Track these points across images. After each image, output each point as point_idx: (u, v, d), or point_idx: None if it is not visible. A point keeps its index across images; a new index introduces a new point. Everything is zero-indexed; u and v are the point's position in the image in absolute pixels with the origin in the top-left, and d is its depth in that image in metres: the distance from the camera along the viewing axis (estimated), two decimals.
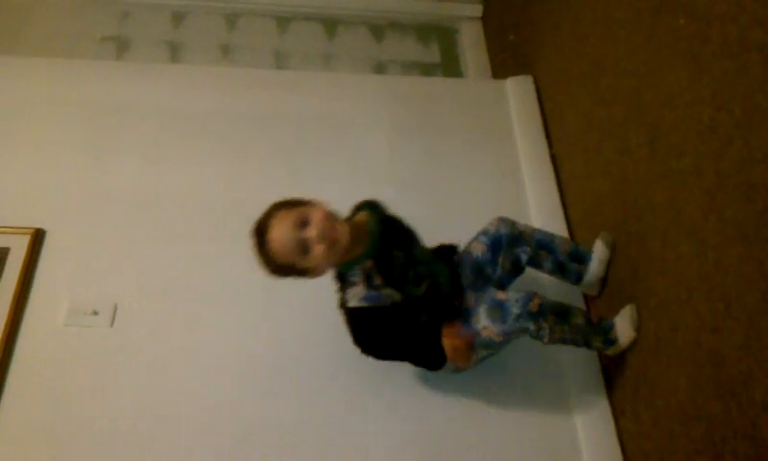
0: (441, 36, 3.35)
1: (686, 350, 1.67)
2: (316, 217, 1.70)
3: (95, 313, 2.12)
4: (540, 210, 2.47)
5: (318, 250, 1.67)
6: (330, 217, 1.73)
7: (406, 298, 1.81)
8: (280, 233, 1.70)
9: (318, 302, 2.03)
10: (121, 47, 3.15)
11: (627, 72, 2.03)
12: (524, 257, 2.03)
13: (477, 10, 3.39)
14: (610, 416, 2.05)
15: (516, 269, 2.04)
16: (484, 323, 1.80)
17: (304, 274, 1.74)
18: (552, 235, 2.10)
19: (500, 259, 2.00)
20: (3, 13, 3.16)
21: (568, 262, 2.08)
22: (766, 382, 1.40)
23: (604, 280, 2.11)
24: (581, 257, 2.10)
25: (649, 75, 1.89)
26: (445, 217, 2.43)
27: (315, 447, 2.00)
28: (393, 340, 1.85)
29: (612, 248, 2.07)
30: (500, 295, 1.83)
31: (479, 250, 2.01)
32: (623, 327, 1.92)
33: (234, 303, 2.19)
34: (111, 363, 2.07)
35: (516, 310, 1.76)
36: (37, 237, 2.25)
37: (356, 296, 1.77)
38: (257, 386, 2.06)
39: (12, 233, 2.23)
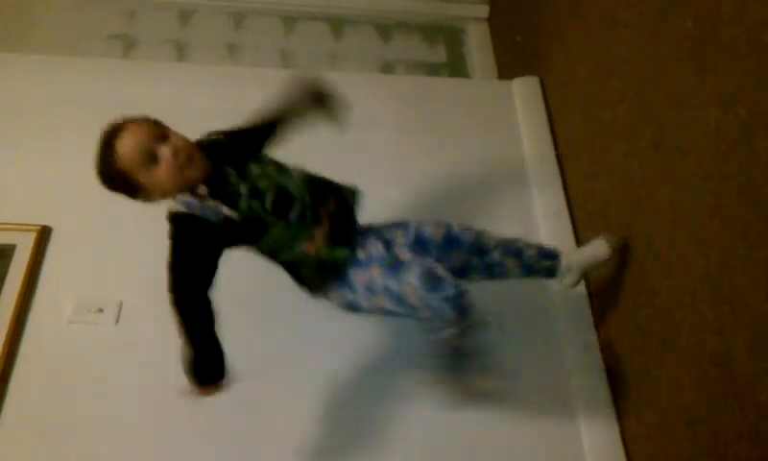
0: (447, 36, 3.34)
1: (691, 351, 1.67)
2: (177, 138, 1.65)
3: (100, 310, 2.13)
4: (545, 211, 2.47)
5: (166, 165, 1.61)
6: (193, 146, 1.68)
7: (247, 218, 1.69)
8: (132, 138, 1.63)
9: (324, 305, 2.04)
10: (127, 45, 3.15)
11: (633, 73, 2.03)
12: (475, 272, 1.93)
13: (484, 10, 3.39)
14: (613, 417, 2.05)
15: (461, 273, 1.88)
16: (410, 280, 1.65)
17: (137, 192, 1.67)
18: (516, 240, 1.98)
19: (453, 255, 1.88)
20: (9, 11, 3.16)
21: (538, 261, 1.98)
22: None
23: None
24: (551, 255, 1.99)
25: (655, 76, 1.89)
26: (447, 213, 2.43)
27: (315, 449, 2.01)
28: (188, 263, 1.73)
29: (615, 250, 1.99)
30: (442, 271, 1.68)
31: (433, 232, 1.89)
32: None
33: (241, 302, 2.19)
34: (116, 361, 2.07)
35: (450, 292, 1.64)
36: (43, 234, 2.26)
37: (179, 201, 1.68)
38: (263, 387, 2.06)
39: (18, 230, 2.24)
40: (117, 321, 2.13)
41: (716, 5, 1.60)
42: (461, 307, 1.66)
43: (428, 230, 1.89)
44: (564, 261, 1.98)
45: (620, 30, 2.13)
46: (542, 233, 2.43)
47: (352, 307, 1.83)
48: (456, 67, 3.24)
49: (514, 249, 1.95)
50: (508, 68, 3.12)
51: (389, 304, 1.74)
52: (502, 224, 2.40)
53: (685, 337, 1.68)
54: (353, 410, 2.07)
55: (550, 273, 2.00)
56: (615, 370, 2.09)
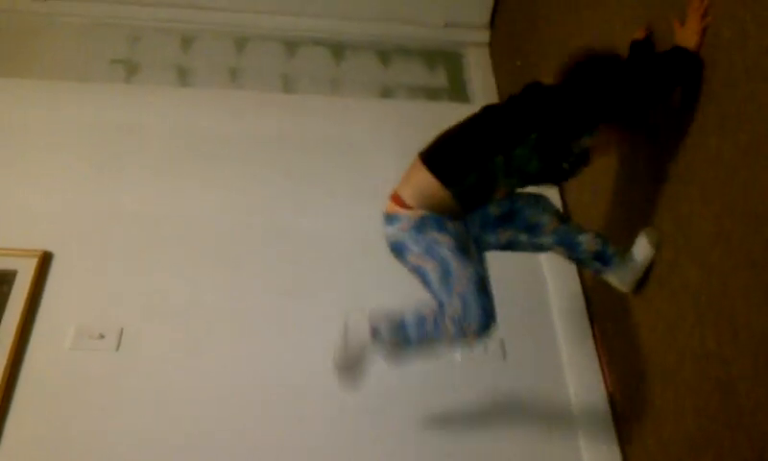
0: (448, 61, 3.36)
1: (694, 378, 1.66)
2: None
3: (101, 336, 2.12)
4: None
5: None
6: None
7: None
8: None
9: (322, 331, 2.04)
10: (130, 70, 3.16)
11: None
12: (520, 248, 1.95)
13: (484, 35, 3.41)
14: (616, 444, 2.04)
15: (506, 246, 1.94)
16: (468, 272, 1.70)
17: None
18: (574, 230, 1.94)
19: (506, 231, 1.91)
20: (13, 37, 3.18)
21: (590, 261, 1.95)
22: None
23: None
24: (606, 259, 1.93)
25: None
26: None
27: None
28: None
29: (658, 247, 1.87)
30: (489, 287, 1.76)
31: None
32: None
33: (241, 328, 2.19)
34: (116, 387, 2.07)
35: (489, 308, 1.69)
36: (45, 260, 2.26)
37: None
38: (262, 412, 2.06)
39: (20, 256, 2.24)
40: (118, 347, 2.12)
41: (715, 31, 1.61)
42: (486, 326, 1.67)
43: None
44: (613, 279, 1.95)
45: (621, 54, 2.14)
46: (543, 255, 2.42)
47: (398, 247, 1.86)
48: (457, 92, 3.26)
49: (569, 242, 1.92)
50: (508, 93, 3.12)
51: (432, 272, 1.74)
52: None
53: (689, 364, 1.67)
54: (356, 431, 2.06)
55: (597, 271, 1.98)
56: (618, 396, 2.08)
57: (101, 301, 2.22)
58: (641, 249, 1.89)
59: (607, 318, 2.18)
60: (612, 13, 2.21)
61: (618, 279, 1.94)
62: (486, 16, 3.39)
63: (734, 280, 1.52)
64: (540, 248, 1.96)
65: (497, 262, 2.37)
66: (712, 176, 1.61)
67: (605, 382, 2.15)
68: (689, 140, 1.71)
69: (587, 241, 1.92)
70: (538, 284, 2.36)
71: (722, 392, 1.55)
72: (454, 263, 1.71)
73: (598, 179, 2.28)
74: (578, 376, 2.17)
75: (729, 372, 1.53)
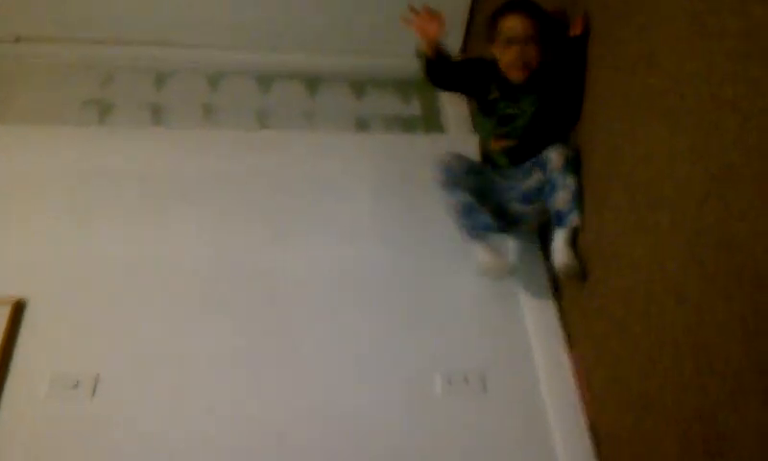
0: (421, 90, 3.37)
1: (674, 407, 1.65)
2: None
3: (76, 384, 2.09)
4: (521, 260, 2.48)
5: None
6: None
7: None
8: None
9: (304, 372, 2.03)
10: (103, 111, 3.14)
11: (604, 127, 2.05)
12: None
13: None
14: None
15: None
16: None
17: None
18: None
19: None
20: None
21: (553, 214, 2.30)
22: (752, 441, 1.38)
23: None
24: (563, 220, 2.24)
25: (626, 131, 1.91)
26: (430, 273, 2.43)
27: None
28: None
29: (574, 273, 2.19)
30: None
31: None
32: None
33: (221, 372, 2.16)
34: (93, 435, 2.02)
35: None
36: (18, 307, 2.22)
37: None
38: (245, 458, 2.03)
39: None
40: (93, 394, 2.08)
41: (680, 61, 1.63)
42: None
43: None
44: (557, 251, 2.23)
45: (590, 85, 2.16)
46: (519, 281, 2.45)
47: None
48: (431, 121, 3.27)
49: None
50: None
51: None
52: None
53: (668, 393, 1.67)
54: None
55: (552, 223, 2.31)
56: (599, 426, 2.07)
57: (76, 347, 2.18)
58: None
59: (585, 347, 2.17)
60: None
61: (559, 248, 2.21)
62: (458, 43, 3.41)
63: (709, 308, 1.52)
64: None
65: (474, 296, 2.39)
66: (684, 204, 1.61)
67: (585, 412, 2.13)
68: (659, 167, 1.72)
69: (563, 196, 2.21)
70: (515, 315, 2.36)
71: (702, 421, 1.55)
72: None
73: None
74: (558, 405, 2.16)
75: (707, 401, 1.53)
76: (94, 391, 2.09)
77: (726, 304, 1.47)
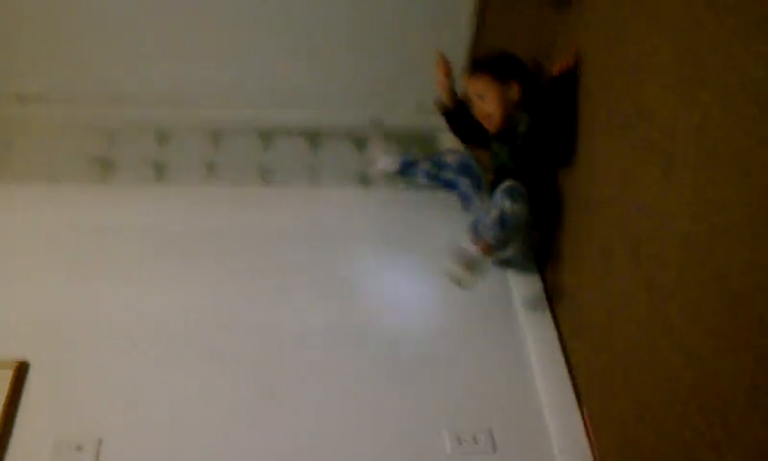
0: (423, 144, 3.38)
1: None
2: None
3: (79, 448, 2.06)
4: (528, 317, 2.47)
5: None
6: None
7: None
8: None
9: (305, 435, 2.00)
10: (106, 169, 3.16)
11: (606, 182, 2.06)
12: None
13: None
14: None
15: None
16: None
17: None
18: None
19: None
20: None
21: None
22: None
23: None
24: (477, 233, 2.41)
25: (627, 185, 1.91)
26: (436, 328, 2.43)
27: None
28: None
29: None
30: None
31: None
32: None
33: (224, 434, 2.14)
34: None
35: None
36: (21, 370, 2.21)
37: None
38: None
39: None
40: (97, 459, 2.05)
41: (673, 117, 1.64)
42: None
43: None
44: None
45: (587, 137, 2.17)
46: (526, 332, 2.43)
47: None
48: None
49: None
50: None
51: None
52: (488, 323, 2.40)
53: (680, 453, 1.65)
54: None
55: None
56: None
57: (79, 410, 2.16)
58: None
59: (595, 405, 2.15)
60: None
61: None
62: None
63: (716, 364, 1.51)
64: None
65: (482, 353, 2.37)
66: (687, 258, 1.61)
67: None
68: (661, 222, 1.72)
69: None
70: (524, 371, 2.33)
71: None
72: None
73: (573, 257, 2.28)
74: None
75: (719, 458, 1.50)
76: (98, 455, 2.06)
77: (733, 359, 1.46)
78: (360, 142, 3.41)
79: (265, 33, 3.28)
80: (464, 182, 2.71)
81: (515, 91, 2.41)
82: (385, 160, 2.80)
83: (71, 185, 2.98)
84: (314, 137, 3.42)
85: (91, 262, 2.57)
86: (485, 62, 2.48)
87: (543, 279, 2.58)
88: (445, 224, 2.77)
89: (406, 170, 2.79)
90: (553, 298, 2.50)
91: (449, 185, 2.76)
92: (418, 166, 2.77)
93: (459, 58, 3.26)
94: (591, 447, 2.13)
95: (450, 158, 2.75)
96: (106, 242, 2.63)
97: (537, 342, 2.38)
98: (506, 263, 2.60)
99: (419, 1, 3.19)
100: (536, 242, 2.53)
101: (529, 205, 2.29)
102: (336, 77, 3.43)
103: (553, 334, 2.41)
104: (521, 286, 2.56)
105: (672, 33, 1.67)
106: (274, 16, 3.22)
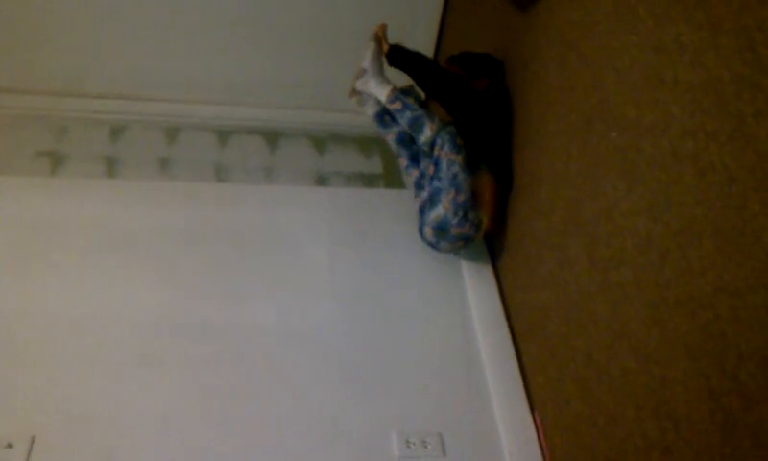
0: (382, 147, 3.35)
1: None
2: None
3: (9, 446, 1.96)
4: (482, 319, 2.42)
5: None
6: None
7: None
8: None
9: (253, 437, 1.93)
10: (56, 162, 3.06)
11: (564, 183, 2.03)
12: None
13: None
14: None
15: None
16: None
17: None
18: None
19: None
20: None
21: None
22: None
23: None
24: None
25: (585, 186, 1.88)
26: (389, 329, 2.37)
27: None
28: None
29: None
30: None
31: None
32: None
33: (167, 435, 2.05)
34: None
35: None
36: None
37: None
38: None
39: None
40: (28, 457, 1.94)
41: (639, 115, 1.61)
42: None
43: None
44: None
45: (548, 140, 2.14)
46: (479, 336, 2.38)
47: None
48: (392, 177, 3.24)
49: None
50: None
51: None
52: (442, 327, 2.36)
53: (632, 457, 1.61)
54: None
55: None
56: None
57: (11, 407, 2.06)
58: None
59: (548, 408, 2.11)
60: (544, 106, 2.22)
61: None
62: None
63: (673, 368, 1.48)
64: None
65: (434, 355, 2.32)
66: (644, 260, 1.58)
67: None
68: (620, 223, 1.69)
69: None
70: (476, 375, 2.29)
71: None
72: None
73: (531, 260, 2.25)
74: None
75: None
76: (29, 454, 1.95)
77: (689, 363, 1.43)
78: (319, 143, 3.36)
79: (224, 29, 3.22)
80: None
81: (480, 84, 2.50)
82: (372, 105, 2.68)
83: (17, 178, 2.87)
84: (272, 137, 3.36)
85: (33, 257, 2.46)
86: (459, 56, 2.60)
87: (499, 281, 2.55)
88: (399, 223, 2.73)
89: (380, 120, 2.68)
90: (508, 301, 2.46)
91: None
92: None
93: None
94: (543, 451, 2.09)
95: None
96: (49, 236, 2.53)
97: (489, 345, 2.34)
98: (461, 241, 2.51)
99: (384, 4, 3.17)
100: (490, 228, 2.47)
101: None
102: (295, 76, 3.38)
103: (506, 337, 2.38)
104: (476, 288, 2.52)
105: (638, 32, 1.65)
106: (233, 13, 3.17)
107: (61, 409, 2.07)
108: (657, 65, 1.55)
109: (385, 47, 2.54)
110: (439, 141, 2.44)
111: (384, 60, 2.59)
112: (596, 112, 1.82)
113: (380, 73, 2.61)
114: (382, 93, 2.57)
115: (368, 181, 3.22)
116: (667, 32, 1.52)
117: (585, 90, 1.89)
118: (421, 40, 3.31)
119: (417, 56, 2.52)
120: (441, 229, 2.42)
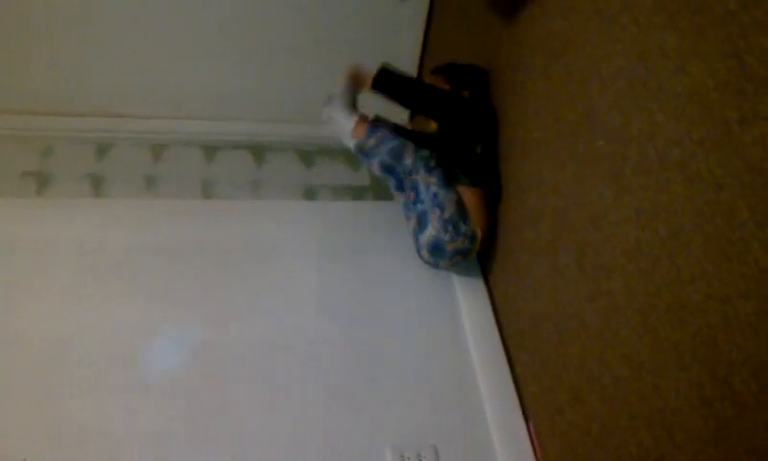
0: None
1: None
2: None
3: None
4: (474, 330, 2.41)
5: None
6: None
7: None
8: None
9: (246, 455, 1.90)
10: (41, 182, 3.04)
11: (552, 192, 2.03)
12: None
13: None
14: None
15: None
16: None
17: None
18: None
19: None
20: None
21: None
22: None
23: None
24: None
25: (573, 194, 1.88)
26: (380, 342, 2.36)
27: None
28: None
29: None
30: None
31: None
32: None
33: (153, 455, 2.03)
34: None
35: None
36: None
37: None
38: None
39: None
40: None
41: (625, 122, 1.61)
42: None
43: None
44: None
45: (534, 149, 2.14)
46: (471, 347, 2.37)
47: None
48: (379, 189, 3.23)
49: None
50: None
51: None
52: (435, 339, 2.35)
53: None
54: None
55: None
56: None
57: (2, 431, 2.04)
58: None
59: (541, 417, 2.10)
60: (527, 118, 2.22)
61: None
62: (404, 114, 3.41)
63: (665, 377, 1.47)
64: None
65: (426, 368, 2.31)
66: (634, 268, 1.58)
67: None
68: (608, 231, 1.69)
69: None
70: (469, 383, 2.28)
71: None
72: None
73: (521, 270, 2.24)
74: None
75: None
76: None
77: (681, 371, 1.42)
78: (306, 157, 3.35)
79: (209, 44, 3.21)
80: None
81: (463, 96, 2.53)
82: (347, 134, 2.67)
83: (2, 200, 2.85)
84: (259, 151, 3.35)
85: (19, 278, 2.44)
86: (444, 67, 2.64)
87: (490, 291, 2.54)
88: (389, 235, 2.72)
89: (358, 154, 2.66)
90: (499, 310, 2.46)
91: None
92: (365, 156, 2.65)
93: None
94: (538, 460, 2.09)
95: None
96: (34, 257, 2.51)
97: (482, 355, 2.34)
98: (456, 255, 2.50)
99: (368, 17, 3.17)
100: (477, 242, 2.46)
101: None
102: (281, 90, 3.38)
103: (499, 347, 2.37)
104: (467, 299, 2.51)
105: (622, 40, 1.65)
106: (217, 28, 3.16)
107: (51, 432, 2.04)
108: (641, 73, 1.55)
109: (368, 82, 2.53)
110: (414, 167, 2.46)
111: (358, 95, 2.66)
112: (582, 121, 1.82)
113: (349, 106, 2.64)
114: (348, 127, 2.61)
115: (356, 193, 3.22)
116: (651, 39, 1.52)
117: (570, 99, 1.90)
118: (406, 52, 3.32)
119: (403, 79, 2.53)
120: (436, 248, 2.43)
